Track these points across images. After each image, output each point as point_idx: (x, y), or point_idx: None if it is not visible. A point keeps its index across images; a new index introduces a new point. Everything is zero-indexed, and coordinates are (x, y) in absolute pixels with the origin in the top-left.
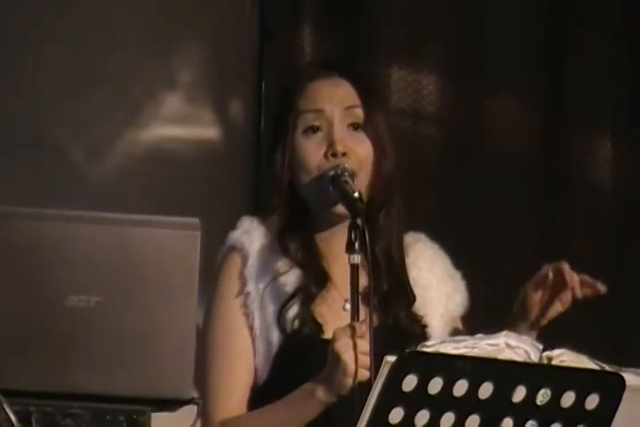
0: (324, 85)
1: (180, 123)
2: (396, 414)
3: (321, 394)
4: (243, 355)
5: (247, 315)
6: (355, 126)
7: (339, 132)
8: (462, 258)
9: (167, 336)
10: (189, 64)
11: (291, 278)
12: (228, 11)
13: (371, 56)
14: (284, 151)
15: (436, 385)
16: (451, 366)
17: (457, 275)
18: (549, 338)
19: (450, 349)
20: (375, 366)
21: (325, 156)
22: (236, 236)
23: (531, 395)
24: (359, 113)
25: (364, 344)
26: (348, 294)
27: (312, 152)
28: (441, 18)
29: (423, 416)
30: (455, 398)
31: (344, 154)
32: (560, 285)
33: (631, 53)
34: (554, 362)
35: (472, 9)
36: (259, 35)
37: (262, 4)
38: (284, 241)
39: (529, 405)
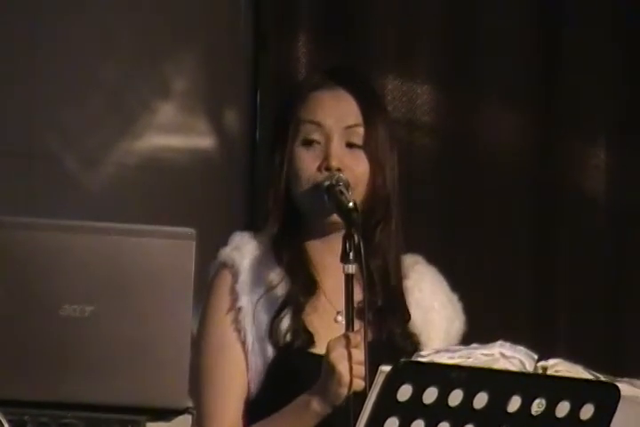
0: (327, 98)
1: (174, 132)
2: (391, 424)
3: (316, 405)
4: (236, 371)
5: (239, 330)
6: (352, 145)
7: (335, 148)
8: (456, 269)
9: (162, 346)
10: (184, 73)
11: (282, 291)
12: (223, 20)
13: (365, 66)
14: (283, 159)
15: (431, 395)
16: (446, 375)
17: (454, 298)
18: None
19: (445, 359)
20: (370, 375)
21: (319, 169)
22: (226, 252)
23: (526, 405)
24: (359, 132)
25: (359, 354)
26: (339, 306)
27: (308, 164)
28: (435, 28)
29: (418, 426)
30: (450, 407)
31: (338, 169)
32: None
33: (625, 64)
34: (549, 372)
35: (466, 19)
36: (253, 44)
37: (257, 13)
38: (277, 249)
39: (524, 415)
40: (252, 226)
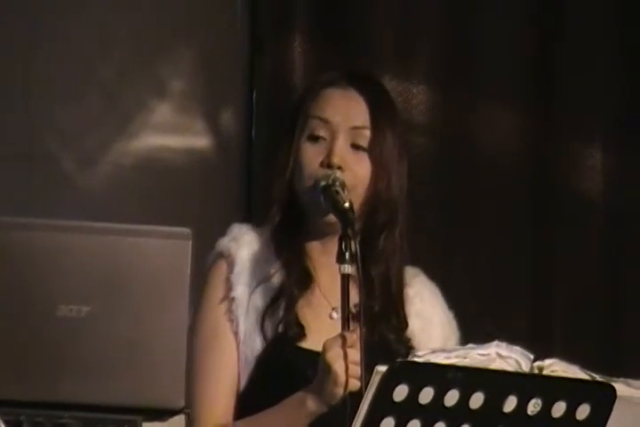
0: (338, 96)
1: (171, 132)
2: (387, 424)
3: (311, 404)
4: (228, 361)
5: (232, 320)
6: (358, 147)
7: (339, 146)
8: (453, 269)
9: (158, 346)
10: (180, 73)
11: (276, 283)
12: (220, 21)
13: (361, 66)
14: (289, 152)
15: (427, 395)
16: (442, 375)
17: (450, 315)
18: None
19: (441, 359)
20: (366, 376)
21: (322, 165)
22: (224, 243)
23: (522, 405)
24: (366, 134)
25: (355, 354)
26: (335, 302)
27: (311, 159)
28: (432, 28)
29: (414, 426)
30: (446, 407)
31: (339, 168)
32: None
33: (622, 64)
34: (545, 372)
35: (463, 19)
36: (250, 44)
37: (253, 14)
38: (277, 241)
39: (520, 415)
40: (248, 223)
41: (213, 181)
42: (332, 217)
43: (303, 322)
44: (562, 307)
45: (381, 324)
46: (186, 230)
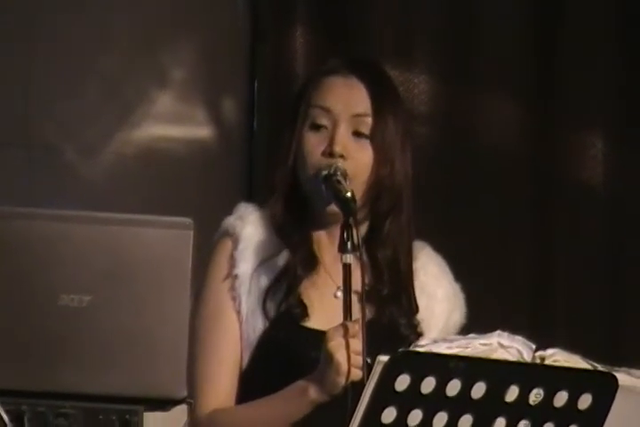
0: (339, 85)
1: (172, 122)
2: (389, 414)
3: (313, 393)
4: (230, 340)
5: (234, 299)
6: (360, 134)
7: (341, 135)
8: (454, 256)
9: (160, 336)
10: (182, 63)
11: (281, 263)
12: (221, 10)
13: (362, 56)
14: (291, 141)
15: (428, 385)
16: (443, 365)
17: (457, 288)
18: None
19: (443, 348)
20: (368, 365)
21: (323, 154)
22: (230, 221)
23: (523, 395)
24: (367, 122)
25: (357, 344)
26: (340, 282)
27: (313, 148)
28: (433, 17)
29: (416, 416)
30: (448, 397)
31: (341, 156)
32: None
33: (623, 53)
34: (547, 362)
35: (464, 9)
36: (251, 34)
37: (255, 3)
38: (280, 228)
39: (522, 404)
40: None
41: (215, 171)
42: (334, 207)
43: (307, 302)
44: (563, 295)
45: (392, 306)
46: (187, 220)
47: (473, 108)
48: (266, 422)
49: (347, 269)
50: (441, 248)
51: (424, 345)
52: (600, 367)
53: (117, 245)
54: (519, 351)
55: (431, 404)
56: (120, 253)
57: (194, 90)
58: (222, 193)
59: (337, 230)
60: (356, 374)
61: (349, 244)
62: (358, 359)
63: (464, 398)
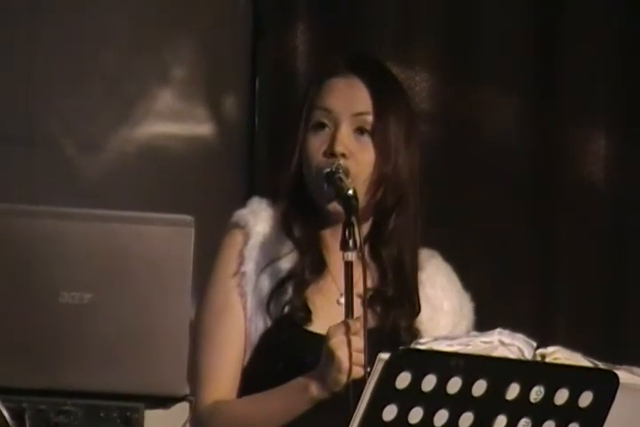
0: (340, 85)
1: (173, 119)
2: (390, 412)
3: (314, 390)
4: (236, 334)
5: (242, 295)
6: (361, 131)
7: (342, 134)
8: (457, 255)
9: (160, 333)
10: (183, 60)
11: (288, 264)
12: (222, 7)
13: (363, 53)
14: (295, 144)
15: (429, 382)
16: (444, 363)
17: (467, 299)
18: (544, 338)
19: (443, 346)
20: (369, 363)
21: (325, 154)
22: (242, 213)
23: (524, 392)
24: (368, 120)
25: (359, 341)
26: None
27: (315, 149)
28: (434, 15)
29: (417, 414)
30: (449, 395)
31: (343, 155)
32: None
33: (625, 50)
34: (547, 359)
35: (465, 5)
36: (252, 31)
37: (256, 0)
38: (287, 221)
39: (522, 402)
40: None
41: (216, 168)
42: (336, 205)
43: (311, 306)
44: (564, 294)
45: (395, 309)
46: (188, 218)
47: (474, 105)
48: (265, 416)
49: (348, 267)
50: (439, 246)
51: (425, 343)
52: (601, 365)
53: (118, 243)
54: (520, 349)
55: (432, 401)
56: (121, 250)
57: (195, 87)
58: (223, 190)
59: (341, 230)
60: (358, 371)
61: (351, 242)
62: (359, 357)
63: (465, 396)
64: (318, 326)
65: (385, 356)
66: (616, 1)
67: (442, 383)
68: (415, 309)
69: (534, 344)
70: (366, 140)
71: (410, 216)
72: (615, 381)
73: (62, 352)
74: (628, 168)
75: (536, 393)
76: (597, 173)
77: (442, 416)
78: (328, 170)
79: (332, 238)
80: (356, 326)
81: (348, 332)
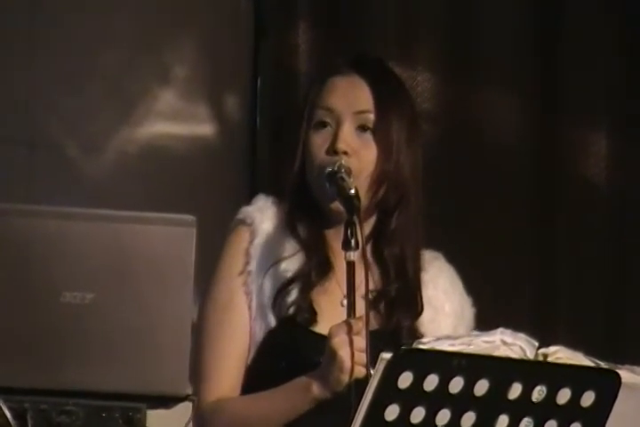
0: (342, 84)
1: (174, 119)
2: (392, 411)
3: (316, 389)
4: (240, 332)
5: (247, 294)
6: (363, 129)
7: (344, 132)
8: (457, 255)
9: (162, 333)
10: (184, 60)
11: (294, 265)
12: (223, 7)
13: (364, 52)
14: (297, 144)
15: (431, 382)
16: (446, 363)
17: (468, 301)
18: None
19: (445, 346)
20: (371, 363)
21: (327, 152)
22: (248, 210)
23: (526, 392)
24: (370, 118)
25: (361, 341)
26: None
27: (318, 148)
28: (436, 15)
29: (419, 413)
30: (451, 395)
31: (345, 153)
32: None
33: (625, 50)
34: (549, 359)
35: (466, 5)
36: (254, 31)
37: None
38: (292, 220)
39: (525, 402)
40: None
41: (217, 168)
42: (338, 204)
43: (316, 307)
44: (565, 293)
45: (399, 310)
46: (190, 218)
47: (476, 105)
48: (266, 414)
49: (350, 266)
50: (440, 244)
51: (427, 342)
52: (603, 365)
53: (120, 243)
54: (522, 349)
55: (434, 401)
56: (122, 250)
57: (196, 87)
58: (225, 190)
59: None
60: (360, 371)
61: (353, 241)
62: (362, 357)
63: (467, 396)
64: (323, 327)
65: (387, 355)
66: (616, 1)
67: (444, 383)
68: (418, 308)
69: (536, 344)
70: (368, 137)
71: (412, 215)
72: (617, 380)
73: (64, 352)
74: (629, 168)
75: (538, 393)
76: (598, 173)
77: (444, 416)
78: (330, 169)
79: (335, 239)
80: (358, 325)
81: (350, 331)
